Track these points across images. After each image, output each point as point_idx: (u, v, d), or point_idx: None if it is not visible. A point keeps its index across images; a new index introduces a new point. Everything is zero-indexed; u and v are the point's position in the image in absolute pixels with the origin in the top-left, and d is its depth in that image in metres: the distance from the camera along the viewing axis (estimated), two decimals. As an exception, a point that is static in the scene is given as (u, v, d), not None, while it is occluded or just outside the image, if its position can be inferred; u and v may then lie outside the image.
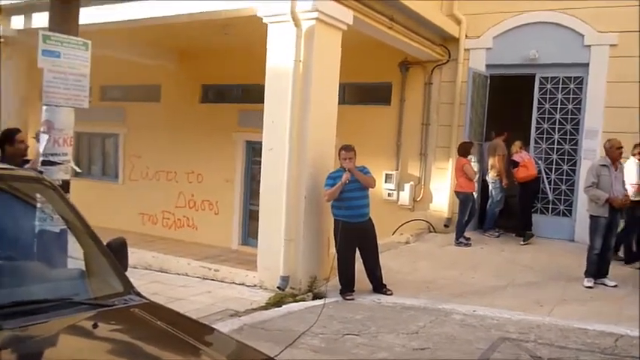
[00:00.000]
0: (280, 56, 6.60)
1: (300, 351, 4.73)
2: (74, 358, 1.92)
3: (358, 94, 10.75)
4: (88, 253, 2.62)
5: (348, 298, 6.40)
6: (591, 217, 6.91)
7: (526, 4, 9.33)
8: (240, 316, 5.78)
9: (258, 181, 12.04)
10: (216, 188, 12.16)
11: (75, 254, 2.72)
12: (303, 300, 6.42)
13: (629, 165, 7.66)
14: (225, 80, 11.88)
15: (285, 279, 6.61)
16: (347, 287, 6.51)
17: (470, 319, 5.66)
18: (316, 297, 6.53)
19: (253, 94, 11.52)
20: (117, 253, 2.71)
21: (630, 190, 7.31)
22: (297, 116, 6.51)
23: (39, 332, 2.00)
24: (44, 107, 4.31)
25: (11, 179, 2.64)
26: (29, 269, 2.54)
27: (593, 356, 4.72)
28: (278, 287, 6.60)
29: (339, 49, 6.97)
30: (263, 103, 11.10)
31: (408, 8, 8.12)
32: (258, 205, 11.75)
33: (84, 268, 2.64)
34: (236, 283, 7.09)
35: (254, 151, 11.97)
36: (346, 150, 6.36)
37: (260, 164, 12.01)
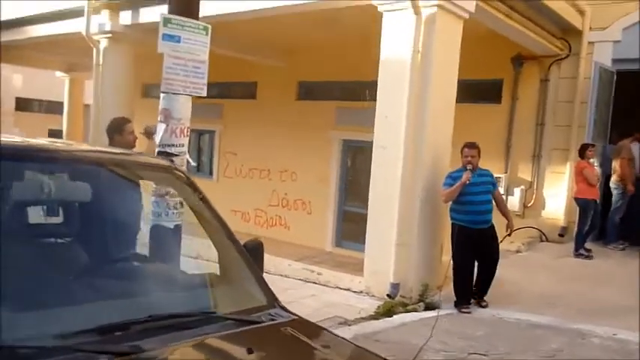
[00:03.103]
0: (396, 47, 6.15)
1: (425, 370, 4.26)
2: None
3: (466, 91, 10.00)
4: (225, 257, 2.28)
5: (464, 310, 5.85)
6: None
7: (662, -9, 8.37)
8: (349, 325, 5.38)
9: (354, 182, 11.96)
10: (309, 187, 11.87)
11: (207, 256, 2.38)
12: (415, 310, 5.93)
13: None
14: (322, 77, 11.55)
15: (395, 286, 6.15)
16: (463, 299, 5.97)
17: (611, 344, 4.97)
18: (428, 307, 6.02)
19: (352, 91, 11.21)
20: (253, 255, 2.35)
21: None
22: (414, 112, 6.03)
23: (186, 356, 1.65)
24: (162, 95, 4.07)
25: (139, 167, 2.34)
26: (158, 273, 2.22)
27: None
28: (387, 295, 6.15)
29: (459, 39, 6.44)
30: (361, 100, 10.99)
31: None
32: (353, 207, 11.65)
33: (218, 274, 2.30)
34: (340, 288, 6.71)
35: (351, 150, 11.62)
36: (469, 147, 5.85)
37: (356, 164, 12.05)
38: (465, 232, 5.81)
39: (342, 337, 2.21)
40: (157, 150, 4.04)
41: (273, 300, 2.17)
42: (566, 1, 8.68)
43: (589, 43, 9.01)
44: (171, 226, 3.85)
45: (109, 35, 9.32)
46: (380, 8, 6.31)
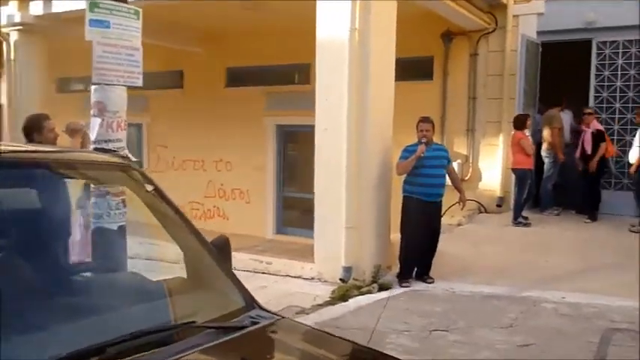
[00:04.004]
0: (333, 27, 6.00)
1: (393, 353, 4.18)
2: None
3: (399, 69, 10.06)
4: (192, 258, 2.06)
5: (404, 285, 5.89)
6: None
7: (581, -38, 8.63)
8: (307, 313, 5.25)
9: (292, 167, 11.78)
10: (246, 176, 11.59)
11: (173, 258, 2.16)
12: (369, 292, 5.87)
13: None
14: (251, 62, 11.24)
15: (347, 270, 6.07)
16: (408, 273, 6.03)
17: (564, 308, 5.10)
18: (382, 288, 5.99)
19: (283, 75, 10.98)
20: (221, 253, 2.15)
21: None
22: (355, 92, 5.92)
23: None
24: (93, 87, 3.75)
25: (90, 167, 2.07)
26: (122, 284, 1.98)
27: None
28: (340, 279, 6.07)
29: (394, 17, 6.38)
30: (293, 83, 10.79)
31: (459, -29, 7.44)
32: (292, 192, 11.49)
33: (186, 277, 2.08)
34: (291, 276, 6.56)
35: (286, 135, 11.43)
36: (424, 122, 5.96)
37: (293, 149, 11.87)
38: (416, 204, 5.84)
39: (334, 335, 2.05)
40: (92, 147, 3.72)
41: (251, 301, 1.99)
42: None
43: (514, 16, 9.18)
44: (115, 228, 3.58)
45: (20, 27, 8.65)
46: (314, -13, 6.12)
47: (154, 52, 11.00)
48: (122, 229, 3.62)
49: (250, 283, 6.29)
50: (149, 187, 2.04)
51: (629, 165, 8.05)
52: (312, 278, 6.37)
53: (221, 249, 2.18)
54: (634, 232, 7.84)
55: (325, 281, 6.23)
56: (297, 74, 10.73)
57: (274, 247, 8.88)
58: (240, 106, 11.30)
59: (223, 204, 12.13)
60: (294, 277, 6.53)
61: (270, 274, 6.71)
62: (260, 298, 5.71)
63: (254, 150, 11.40)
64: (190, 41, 11.15)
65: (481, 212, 9.51)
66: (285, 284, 6.35)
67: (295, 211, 11.17)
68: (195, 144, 12.02)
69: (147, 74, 12.46)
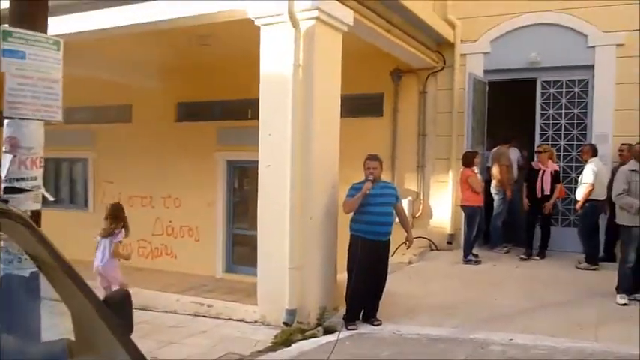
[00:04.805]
0: (276, 62, 5.89)
1: (331, 405, 3.95)
2: None
3: (349, 105, 10.01)
4: (80, 317, 1.82)
5: (351, 327, 5.67)
6: (623, 227, 6.31)
7: (524, 4, 8.84)
8: (246, 361, 4.96)
9: (242, 203, 11.52)
10: (195, 212, 11.27)
11: (58, 318, 1.90)
12: (314, 336, 5.62)
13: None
14: (202, 97, 11.07)
15: (291, 312, 5.82)
16: (355, 315, 5.83)
17: (512, 351, 4.95)
18: (327, 331, 5.74)
19: (234, 110, 10.82)
20: (118, 310, 1.91)
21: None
22: (299, 128, 5.78)
23: None
24: (6, 122, 3.47)
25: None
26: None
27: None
28: (284, 322, 5.80)
29: (339, 52, 6.31)
30: (244, 119, 10.61)
31: (406, 9, 7.50)
32: (243, 230, 11.20)
33: (73, 338, 1.83)
34: (234, 319, 6.25)
35: (237, 170, 11.21)
36: (371, 160, 5.84)
37: (244, 185, 11.63)
38: (363, 243, 5.67)
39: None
40: (2, 186, 3.42)
41: (143, 364, 1.74)
42: (438, 15, 8.93)
43: (461, 55, 9.32)
44: (26, 274, 3.26)
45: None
46: (257, 22, 6.02)
47: (101, 85, 10.86)
48: (34, 276, 3.31)
49: (190, 329, 6.02)
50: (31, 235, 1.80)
51: (576, 202, 8.12)
52: (255, 321, 6.09)
53: (119, 304, 1.94)
54: (580, 268, 7.87)
55: (268, 324, 5.96)
56: (250, 109, 10.58)
57: (222, 287, 8.57)
58: (191, 141, 11.08)
59: (171, 242, 11.74)
60: (237, 320, 6.23)
61: (212, 317, 6.40)
62: (197, 344, 5.43)
63: (204, 186, 11.13)
64: (140, 75, 10.91)
65: (432, 249, 9.44)
66: (226, 328, 6.04)
67: (245, 249, 10.86)
68: (144, 180, 11.67)
69: (93, 108, 12.18)
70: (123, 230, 6.34)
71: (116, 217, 6.37)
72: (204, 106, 11.32)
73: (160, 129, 11.41)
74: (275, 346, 5.36)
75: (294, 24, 5.73)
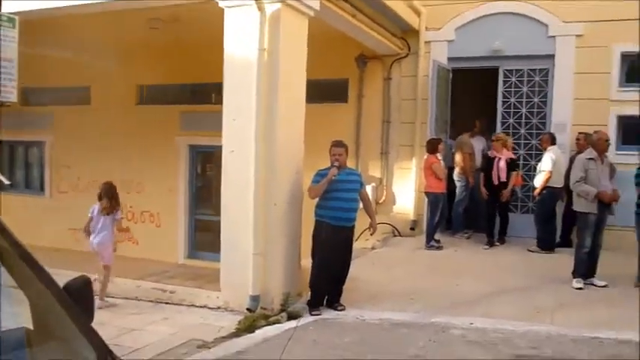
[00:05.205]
0: (241, 45, 5.80)
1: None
2: None
3: (313, 91, 9.96)
4: (39, 305, 1.75)
5: (314, 313, 5.70)
6: (580, 214, 6.49)
7: (488, -7, 8.94)
8: (209, 347, 4.94)
9: (205, 188, 11.37)
10: (157, 198, 11.09)
11: (16, 305, 1.84)
12: (278, 322, 5.61)
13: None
14: (164, 80, 10.84)
15: (255, 298, 5.79)
16: (319, 300, 5.84)
17: (472, 335, 5.05)
18: (291, 317, 5.74)
19: (197, 93, 10.67)
20: (79, 298, 1.85)
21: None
22: (263, 113, 5.72)
23: None
24: (-42, 102, 3.32)
25: None
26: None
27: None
28: (247, 309, 5.77)
29: (305, 37, 6.25)
30: (208, 103, 10.45)
31: (372, -5, 7.47)
32: (205, 215, 11.07)
33: (31, 327, 1.77)
34: (196, 306, 6.19)
35: (199, 155, 11.07)
36: (336, 146, 5.83)
37: (207, 170, 11.48)
38: (328, 229, 5.69)
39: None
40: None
41: (106, 353, 1.70)
42: (403, 2, 8.93)
43: (426, 42, 9.37)
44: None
45: None
46: (221, 4, 5.90)
47: (58, 66, 10.51)
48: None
49: (151, 316, 5.93)
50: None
51: (534, 189, 8.31)
52: (218, 308, 6.04)
53: (79, 292, 1.88)
54: (532, 251, 8.09)
55: (232, 311, 5.92)
56: (214, 93, 10.43)
57: (185, 273, 8.48)
58: (152, 125, 10.84)
59: (132, 227, 11.49)
60: (200, 306, 6.17)
61: (174, 303, 6.32)
62: (159, 332, 5.36)
63: (166, 171, 10.95)
64: (100, 56, 10.60)
65: (395, 235, 9.53)
66: (189, 315, 5.98)
67: (208, 235, 10.75)
68: (103, 164, 11.37)
69: (50, 89, 11.78)
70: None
71: (112, 195, 6.69)
72: (166, 89, 11.11)
73: (120, 112, 11.14)
74: (239, 332, 5.34)
75: (260, 7, 5.64)
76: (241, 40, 5.80)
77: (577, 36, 8.52)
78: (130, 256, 10.80)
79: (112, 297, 6.60)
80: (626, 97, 8.33)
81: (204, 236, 10.89)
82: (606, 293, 6.31)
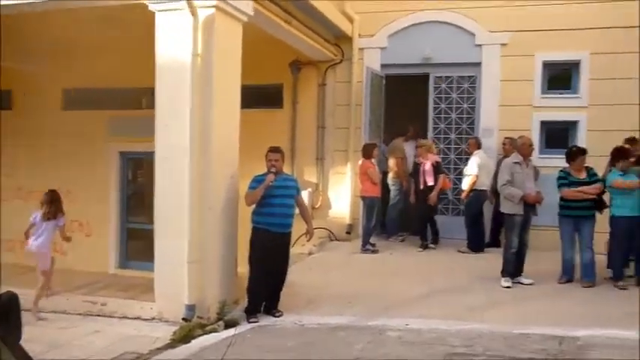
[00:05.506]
0: (173, 50, 5.70)
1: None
2: None
3: (248, 96, 9.92)
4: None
5: (252, 320, 5.67)
6: (507, 215, 6.76)
7: (418, 3, 9.19)
8: (144, 360, 4.79)
9: (137, 196, 11.06)
10: (87, 206, 10.65)
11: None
12: (215, 330, 5.53)
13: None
14: (92, 84, 10.47)
15: (190, 308, 5.68)
16: (256, 307, 5.81)
17: (408, 336, 5.15)
18: (228, 325, 5.67)
19: (127, 98, 10.36)
20: (5, 314, 1.76)
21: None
22: (198, 119, 5.64)
23: None
24: None
25: None
26: None
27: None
28: (183, 318, 5.65)
29: (239, 43, 6.21)
30: (138, 109, 10.17)
31: (305, 2, 7.53)
32: (137, 223, 10.76)
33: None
34: (129, 318, 6.02)
35: (131, 162, 10.77)
36: (273, 152, 5.85)
37: (138, 177, 11.16)
38: (265, 235, 5.67)
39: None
40: None
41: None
42: (337, 9, 9.03)
43: (360, 49, 9.53)
44: None
45: None
46: (151, 7, 5.79)
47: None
48: None
49: (82, 329, 5.71)
50: None
51: (462, 192, 8.61)
52: (153, 319, 5.90)
53: (5, 308, 1.79)
54: (462, 252, 8.37)
55: (167, 321, 5.79)
56: (144, 98, 10.17)
57: (116, 283, 8.20)
58: (80, 131, 10.46)
59: (60, 238, 11.05)
60: (133, 318, 6.00)
61: (106, 316, 6.11)
62: (91, 346, 5.17)
63: (95, 178, 10.57)
64: (21, 57, 10.10)
65: (331, 240, 9.61)
66: (122, 327, 5.80)
67: (141, 243, 10.47)
68: (28, 171, 10.88)
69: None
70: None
71: (55, 201, 6.80)
72: (93, 93, 10.73)
73: (45, 117, 10.68)
74: (174, 343, 5.22)
75: (192, 12, 5.56)
76: (174, 45, 5.70)
77: (502, 45, 8.90)
78: (56, 267, 10.36)
79: (41, 311, 6.31)
80: (548, 104, 8.78)
81: (137, 245, 10.59)
82: (532, 290, 6.60)
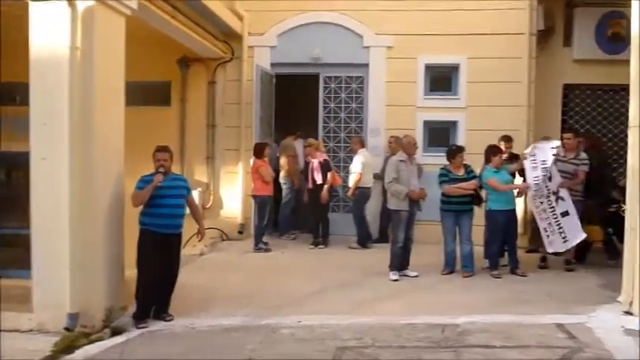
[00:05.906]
0: (50, 43, 5.31)
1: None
2: None
3: (134, 93, 9.52)
4: None
5: (141, 326, 5.49)
6: (394, 211, 7.03)
7: (308, 3, 9.31)
8: (21, 375, 4.46)
9: (9, 199, 10.21)
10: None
11: None
12: (101, 339, 5.25)
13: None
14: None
15: (73, 316, 5.34)
16: (145, 312, 5.63)
17: (300, 332, 5.21)
18: (115, 332, 5.42)
19: (-2, 94, 9.58)
20: None
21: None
22: (79, 116, 5.31)
23: None
24: None
25: None
26: None
27: (435, 353, 4.63)
28: (65, 328, 5.31)
29: (122, 37, 5.94)
30: (10, 105, 9.44)
31: (192, -4, 7.37)
32: (11, 229, 9.96)
33: None
34: (5, 331, 5.54)
35: (1, 163, 9.95)
36: (161, 151, 5.67)
37: (12, 178, 10.32)
38: (153, 237, 5.50)
39: None
40: None
41: None
42: (225, 6, 8.92)
43: (249, 47, 9.48)
44: None
45: None
46: (25, -4, 5.38)
47: None
48: None
49: (-51, 345, 5.18)
50: None
51: (348, 189, 8.87)
52: (31, 330, 5.47)
53: None
54: (352, 248, 8.62)
55: (47, 332, 5.39)
56: (18, 95, 9.46)
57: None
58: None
59: None
60: (9, 330, 5.52)
61: (-23, 330, 5.61)
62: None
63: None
64: None
65: (223, 240, 9.50)
66: (-5, 341, 5.35)
67: (16, 250, 9.70)
68: None
69: None
70: None
71: None
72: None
73: None
74: (55, 355, 4.90)
75: (71, 3, 5.24)
76: (50, 38, 5.31)
77: (387, 47, 9.24)
78: None
79: None
80: (431, 105, 9.24)
81: (11, 252, 9.79)
82: (417, 282, 6.93)
